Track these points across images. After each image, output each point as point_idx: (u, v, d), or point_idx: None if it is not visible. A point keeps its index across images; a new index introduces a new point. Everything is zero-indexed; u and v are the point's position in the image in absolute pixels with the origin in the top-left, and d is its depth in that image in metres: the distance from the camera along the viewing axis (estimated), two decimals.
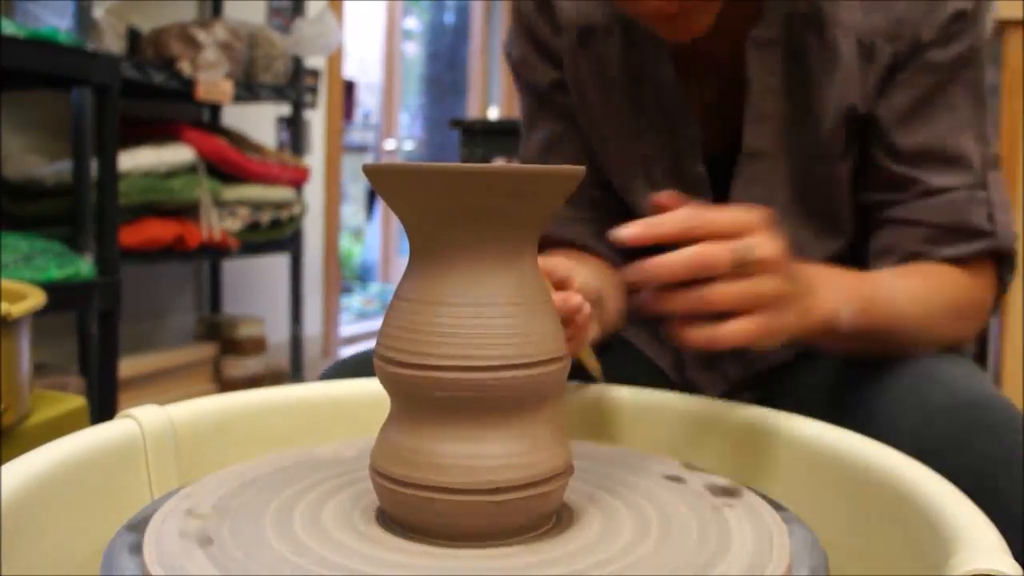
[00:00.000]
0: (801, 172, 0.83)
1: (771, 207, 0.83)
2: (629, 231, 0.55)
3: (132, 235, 2.26)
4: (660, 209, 0.59)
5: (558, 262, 0.68)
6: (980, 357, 0.93)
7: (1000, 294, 0.84)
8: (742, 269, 0.57)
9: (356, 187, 5.52)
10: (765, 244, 0.58)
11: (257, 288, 3.31)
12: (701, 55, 0.85)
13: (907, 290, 0.75)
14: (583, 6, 0.88)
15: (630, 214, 0.97)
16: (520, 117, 0.98)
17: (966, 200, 0.78)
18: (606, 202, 0.92)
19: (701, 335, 0.58)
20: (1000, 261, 0.81)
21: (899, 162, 0.80)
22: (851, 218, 0.85)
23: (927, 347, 0.75)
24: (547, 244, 0.81)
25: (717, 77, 0.85)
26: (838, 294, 0.68)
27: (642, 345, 0.91)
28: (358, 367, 0.77)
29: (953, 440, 0.60)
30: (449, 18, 6.04)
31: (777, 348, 0.63)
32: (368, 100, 5.23)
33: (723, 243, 0.56)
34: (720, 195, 0.86)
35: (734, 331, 0.58)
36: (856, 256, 0.87)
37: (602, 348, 0.90)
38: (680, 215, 0.57)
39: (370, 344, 0.56)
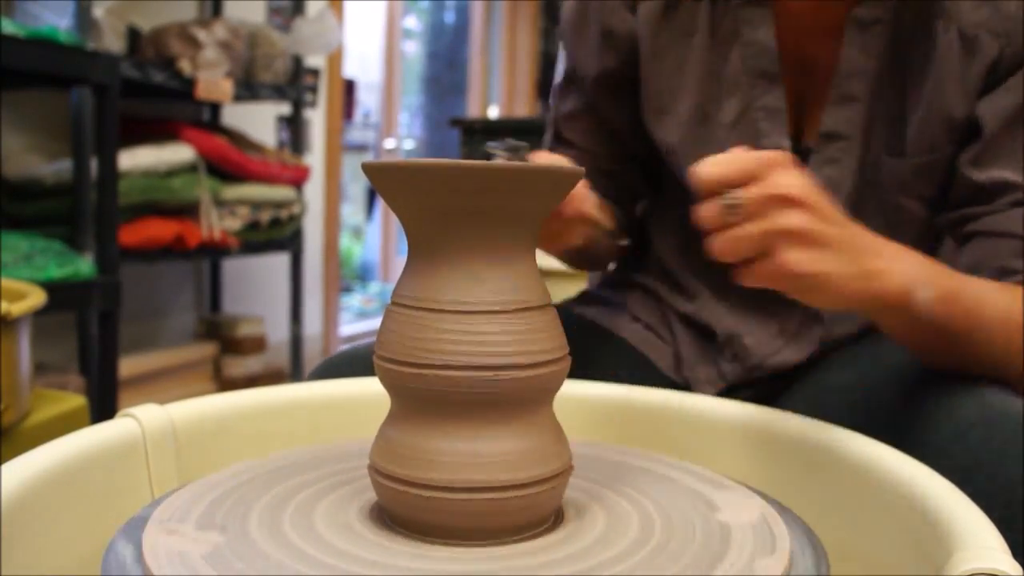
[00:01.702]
0: (872, 162, 0.80)
1: (838, 193, 0.81)
2: (705, 168, 0.55)
3: (132, 234, 2.27)
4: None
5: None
6: None
7: None
8: (762, 208, 0.55)
9: (356, 186, 5.52)
10: (786, 182, 0.55)
11: (257, 287, 3.31)
12: (796, 34, 0.82)
13: (999, 301, 0.67)
14: None
15: (637, 194, 0.97)
16: (555, 83, 0.96)
17: None
18: (619, 175, 0.93)
19: (739, 274, 0.57)
20: None
21: (990, 167, 0.75)
22: (912, 225, 0.81)
23: (1005, 371, 0.67)
24: None
25: (808, 58, 0.82)
26: (914, 272, 0.62)
27: (640, 345, 0.91)
28: (346, 365, 0.77)
29: (984, 459, 0.56)
30: (449, 18, 6.03)
31: (841, 312, 0.60)
32: (368, 99, 5.23)
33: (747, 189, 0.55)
34: None
35: (759, 271, 0.56)
36: None
37: (601, 347, 0.90)
38: (740, 162, 0.56)
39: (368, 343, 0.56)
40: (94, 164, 2.03)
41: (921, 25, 0.77)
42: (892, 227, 0.80)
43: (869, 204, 0.81)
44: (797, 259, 0.55)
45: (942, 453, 0.58)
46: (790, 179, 0.56)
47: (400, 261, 5.24)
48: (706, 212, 0.56)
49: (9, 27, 1.76)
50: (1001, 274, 0.73)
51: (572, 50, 0.92)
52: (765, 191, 0.55)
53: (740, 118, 0.84)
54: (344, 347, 0.96)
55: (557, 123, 0.94)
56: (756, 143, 0.82)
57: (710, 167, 0.56)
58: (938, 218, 0.81)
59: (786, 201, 0.55)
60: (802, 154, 0.82)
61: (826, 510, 0.56)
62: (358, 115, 5.03)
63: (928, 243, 0.83)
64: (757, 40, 0.82)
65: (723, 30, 0.84)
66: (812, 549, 0.47)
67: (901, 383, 0.70)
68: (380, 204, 5.29)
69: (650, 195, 0.97)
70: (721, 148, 0.83)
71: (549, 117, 0.97)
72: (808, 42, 0.82)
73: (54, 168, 2.15)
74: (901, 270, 0.61)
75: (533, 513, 0.46)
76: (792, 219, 0.55)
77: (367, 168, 0.46)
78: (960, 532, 0.43)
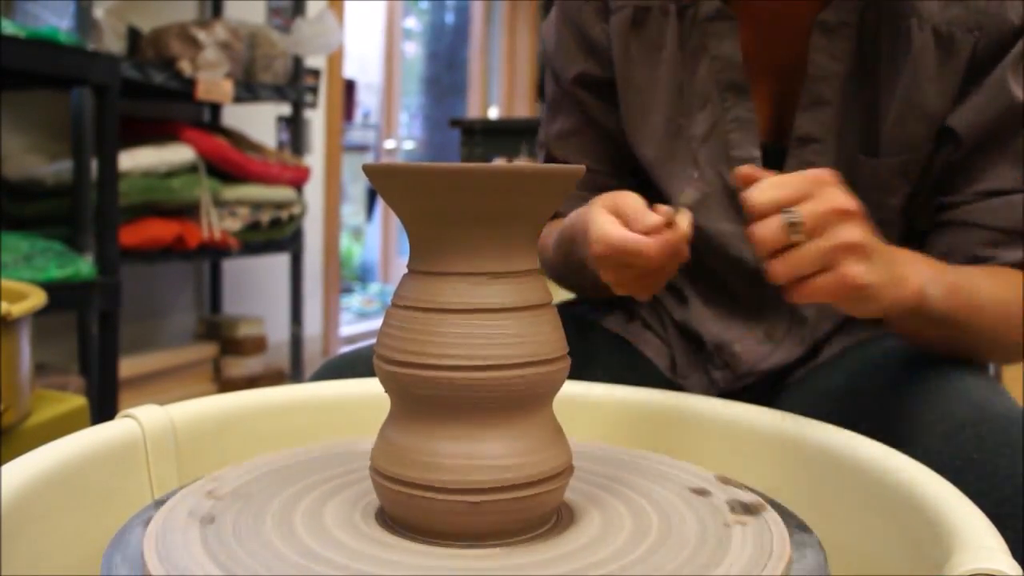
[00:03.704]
0: (847, 162, 0.81)
1: None
2: (758, 191, 0.56)
3: (132, 235, 2.27)
4: (746, 181, 0.60)
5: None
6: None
7: None
8: (821, 223, 0.56)
9: (356, 187, 5.52)
10: (839, 197, 0.57)
11: (257, 288, 3.31)
12: (766, 40, 0.83)
13: (988, 287, 0.72)
14: None
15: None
16: (543, 105, 0.97)
17: None
18: (618, 190, 0.92)
19: (795, 292, 0.58)
20: None
21: (962, 161, 0.77)
22: (891, 223, 0.82)
23: (1001, 350, 0.74)
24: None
25: (780, 63, 0.83)
26: (924, 272, 0.66)
27: (640, 344, 0.91)
28: (347, 368, 0.77)
29: (976, 458, 0.57)
30: (449, 18, 6.03)
31: (867, 315, 0.62)
32: (368, 100, 5.23)
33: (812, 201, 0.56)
34: None
35: (820, 286, 0.57)
36: None
37: (601, 346, 0.90)
38: (792, 182, 0.57)
39: (369, 344, 0.56)
40: (94, 165, 2.03)
41: (889, 26, 0.78)
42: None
43: None
44: (858, 272, 0.57)
45: (934, 454, 0.60)
46: (841, 194, 0.58)
47: (400, 262, 5.24)
48: (766, 232, 0.56)
49: (9, 27, 1.77)
50: (972, 262, 0.77)
51: (557, 64, 0.93)
52: (823, 207, 0.56)
53: (712, 130, 0.85)
54: (344, 349, 0.96)
55: (548, 145, 0.95)
56: (727, 154, 0.84)
57: (764, 190, 0.57)
58: (913, 207, 0.82)
59: (843, 215, 0.57)
60: (777, 157, 0.83)
61: (826, 510, 0.56)
62: (358, 116, 5.03)
63: (905, 238, 0.84)
64: (723, 54, 0.83)
65: (691, 44, 0.85)
66: (812, 549, 0.47)
67: (892, 385, 0.71)
68: (380, 204, 5.29)
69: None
70: (694, 161, 0.85)
71: (539, 140, 0.98)
72: (778, 48, 0.83)
73: (54, 169, 2.15)
74: (916, 272, 0.64)
75: (534, 513, 0.46)
76: (854, 233, 0.57)
77: (369, 170, 0.46)
78: (960, 532, 0.43)
